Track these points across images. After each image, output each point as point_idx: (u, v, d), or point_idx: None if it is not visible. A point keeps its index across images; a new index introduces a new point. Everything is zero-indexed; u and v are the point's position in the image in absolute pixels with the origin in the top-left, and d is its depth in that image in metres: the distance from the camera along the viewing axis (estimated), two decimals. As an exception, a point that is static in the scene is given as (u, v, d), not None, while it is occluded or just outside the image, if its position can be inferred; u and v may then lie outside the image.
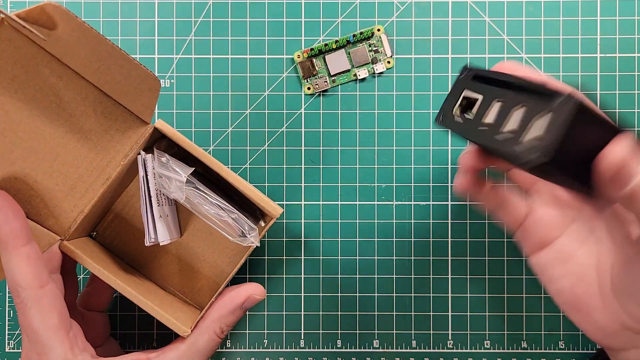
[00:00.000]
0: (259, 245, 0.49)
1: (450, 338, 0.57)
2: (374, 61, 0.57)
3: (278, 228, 0.57)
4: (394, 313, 0.57)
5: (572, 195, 0.43)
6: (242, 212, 0.49)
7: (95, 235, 0.53)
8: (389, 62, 0.57)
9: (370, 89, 0.57)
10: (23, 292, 0.41)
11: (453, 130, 0.41)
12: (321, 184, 0.57)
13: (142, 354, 0.48)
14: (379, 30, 0.56)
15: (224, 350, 0.57)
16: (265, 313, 0.57)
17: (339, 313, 0.57)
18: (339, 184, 0.57)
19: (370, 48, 0.56)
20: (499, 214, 0.46)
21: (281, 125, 0.57)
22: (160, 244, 0.48)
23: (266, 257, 0.57)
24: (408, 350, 0.57)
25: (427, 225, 0.57)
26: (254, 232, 0.48)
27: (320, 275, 0.57)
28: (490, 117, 0.38)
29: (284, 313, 0.57)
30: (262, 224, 0.52)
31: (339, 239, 0.57)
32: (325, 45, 0.56)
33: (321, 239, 0.57)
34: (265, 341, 0.57)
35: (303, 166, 0.57)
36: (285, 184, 0.57)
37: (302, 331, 0.57)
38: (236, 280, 0.52)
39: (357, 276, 0.57)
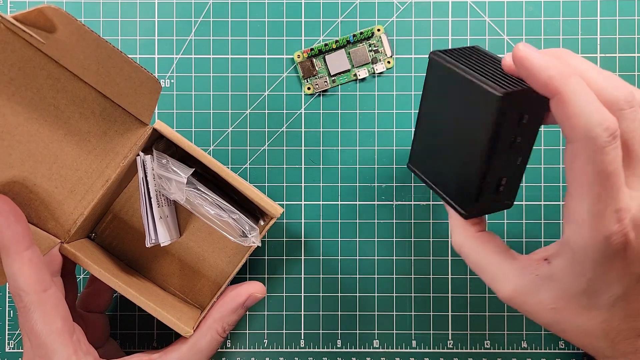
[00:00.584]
0: (260, 245, 0.49)
1: (450, 338, 0.57)
2: (374, 61, 0.57)
3: (278, 228, 0.57)
4: (394, 313, 0.57)
5: None
6: (243, 211, 0.49)
7: (93, 237, 0.53)
8: (389, 62, 0.57)
9: (370, 89, 0.57)
10: (26, 296, 0.41)
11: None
12: (321, 184, 0.57)
13: (143, 355, 0.48)
14: (379, 30, 0.56)
15: (224, 350, 0.57)
16: (266, 313, 0.57)
17: (339, 313, 0.57)
18: (339, 184, 0.57)
19: (370, 48, 0.56)
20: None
21: (281, 125, 0.57)
22: (161, 245, 0.48)
23: (266, 257, 0.57)
24: (408, 350, 0.57)
25: (427, 225, 0.57)
26: (254, 232, 0.48)
27: (320, 275, 0.57)
28: None
29: (284, 313, 0.57)
30: (262, 223, 0.52)
31: (339, 239, 0.57)
32: (325, 45, 0.56)
33: (321, 239, 0.57)
34: (265, 341, 0.57)
35: (303, 166, 0.57)
36: (285, 184, 0.57)
37: (302, 331, 0.57)
38: (236, 280, 0.52)
39: (357, 276, 0.57)
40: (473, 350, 0.57)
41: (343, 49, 0.56)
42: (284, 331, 0.57)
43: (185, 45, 0.57)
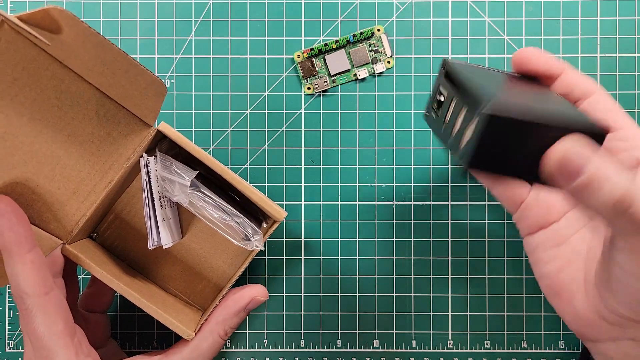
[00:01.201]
0: (263, 249, 0.49)
1: (450, 338, 0.57)
2: (374, 61, 0.56)
3: (278, 228, 0.57)
4: (394, 313, 0.57)
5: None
6: (246, 214, 0.49)
7: (95, 237, 0.53)
8: (389, 62, 0.57)
9: (370, 89, 0.57)
10: (28, 299, 0.40)
11: (430, 128, 0.41)
12: (321, 184, 0.57)
13: (145, 356, 0.48)
14: (379, 30, 0.56)
15: (224, 350, 0.57)
16: (266, 313, 0.57)
17: (339, 313, 0.57)
18: (339, 184, 0.57)
19: (370, 48, 0.56)
20: (499, 190, 0.45)
21: (281, 125, 0.57)
22: (164, 247, 0.48)
23: (266, 257, 0.57)
24: (408, 350, 0.57)
25: (427, 225, 0.57)
26: (257, 236, 0.48)
27: (320, 275, 0.57)
28: (448, 117, 0.38)
29: (284, 313, 0.57)
30: (264, 225, 0.52)
31: (339, 239, 0.57)
32: (325, 45, 0.56)
33: (321, 239, 0.57)
34: (265, 341, 0.57)
35: (303, 166, 0.57)
36: (285, 184, 0.57)
37: (302, 331, 0.57)
38: (237, 281, 0.52)
39: (357, 276, 0.57)
40: (473, 350, 0.57)
41: (343, 49, 0.56)
42: (284, 331, 0.57)
43: (185, 45, 0.57)
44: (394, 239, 0.57)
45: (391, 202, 0.57)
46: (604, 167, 0.32)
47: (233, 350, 0.57)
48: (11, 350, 0.57)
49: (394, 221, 0.57)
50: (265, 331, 0.57)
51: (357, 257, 0.57)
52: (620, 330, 0.39)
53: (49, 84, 0.40)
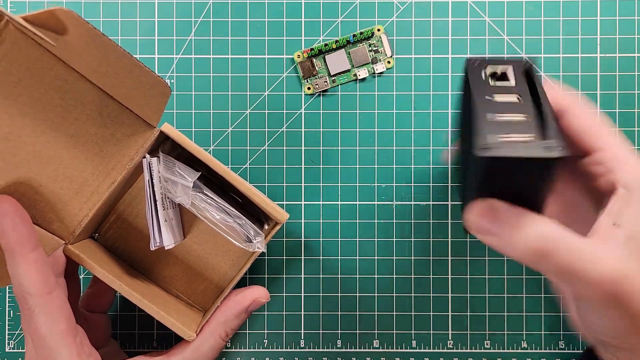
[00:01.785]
0: (265, 251, 0.49)
1: (450, 338, 0.57)
2: (374, 61, 0.57)
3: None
4: (394, 313, 0.57)
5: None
6: (248, 216, 0.49)
7: (97, 237, 0.53)
8: (389, 62, 0.57)
9: (370, 89, 0.57)
10: (31, 299, 0.40)
11: (468, 82, 0.41)
12: (321, 184, 0.57)
13: (146, 357, 0.48)
14: (379, 30, 0.56)
15: (224, 350, 0.57)
16: (266, 313, 0.57)
17: (339, 313, 0.57)
18: (339, 184, 0.57)
19: (370, 48, 0.56)
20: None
21: (281, 125, 0.57)
22: (165, 248, 0.48)
23: (266, 257, 0.57)
24: (408, 350, 0.57)
25: (427, 225, 0.57)
26: (259, 238, 0.48)
27: (320, 275, 0.57)
28: (498, 98, 0.38)
29: (284, 313, 0.57)
30: (266, 227, 0.52)
31: (339, 239, 0.57)
32: (325, 45, 0.56)
33: (321, 239, 0.57)
34: (266, 341, 0.57)
35: (303, 166, 0.57)
36: (285, 184, 0.57)
37: (302, 331, 0.57)
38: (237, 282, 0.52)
39: (357, 276, 0.57)
40: (473, 350, 0.57)
41: (343, 49, 0.56)
42: (284, 331, 0.57)
43: (185, 45, 0.57)
44: (394, 239, 0.57)
45: (391, 202, 0.57)
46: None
47: (233, 350, 0.57)
48: (11, 350, 0.57)
49: (394, 221, 0.57)
50: (266, 331, 0.57)
51: (357, 257, 0.57)
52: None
53: (52, 84, 0.40)
